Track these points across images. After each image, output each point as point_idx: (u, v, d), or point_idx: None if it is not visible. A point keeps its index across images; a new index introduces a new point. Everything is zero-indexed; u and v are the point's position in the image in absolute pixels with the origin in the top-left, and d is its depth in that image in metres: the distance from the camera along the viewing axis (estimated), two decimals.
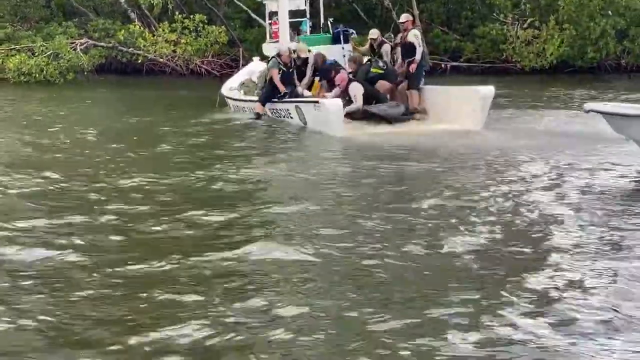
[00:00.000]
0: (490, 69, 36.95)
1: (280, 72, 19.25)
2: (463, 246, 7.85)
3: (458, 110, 17.96)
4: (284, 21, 21.46)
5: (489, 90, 17.80)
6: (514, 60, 36.19)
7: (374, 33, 19.71)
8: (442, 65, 37.28)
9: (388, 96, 19.02)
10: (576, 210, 9.51)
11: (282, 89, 19.10)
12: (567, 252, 7.71)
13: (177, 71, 36.19)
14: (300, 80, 19.55)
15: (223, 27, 36.75)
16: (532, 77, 34.63)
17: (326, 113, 17.29)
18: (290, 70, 19.40)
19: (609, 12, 34.84)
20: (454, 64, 37.46)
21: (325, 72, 19.27)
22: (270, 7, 23.08)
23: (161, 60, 35.92)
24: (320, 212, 9.39)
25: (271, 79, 19.36)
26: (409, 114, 18.56)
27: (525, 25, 36.31)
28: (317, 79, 19.68)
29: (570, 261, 7.45)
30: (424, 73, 19.54)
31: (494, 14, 37.21)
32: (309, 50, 19.74)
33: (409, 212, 9.36)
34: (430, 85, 19.92)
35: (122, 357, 5.54)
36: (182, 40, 35.28)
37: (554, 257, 7.55)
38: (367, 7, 38.62)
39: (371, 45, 19.87)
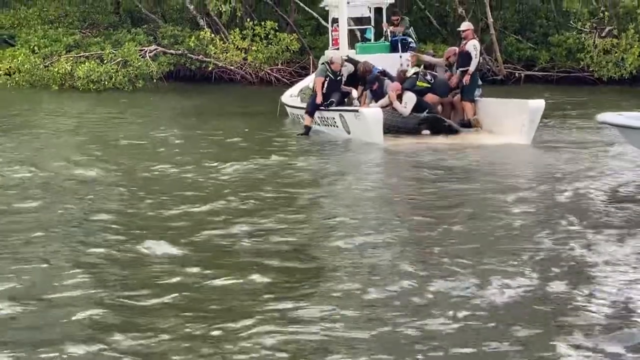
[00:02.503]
0: (566, 78, 37.40)
1: (327, 79, 19.66)
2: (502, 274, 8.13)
3: (507, 123, 18.40)
4: (343, 28, 21.96)
5: (539, 103, 18.18)
6: (590, 69, 36.60)
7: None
8: (516, 75, 37.88)
9: (440, 107, 19.55)
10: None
11: (319, 99, 19.55)
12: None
13: (247, 79, 36.88)
14: (355, 87, 20.16)
15: (294, 34, 37.69)
16: (610, 87, 34.89)
17: (365, 122, 17.81)
18: (338, 78, 19.80)
19: None
20: (528, 73, 38.00)
21: (367, 81, 19.83)
22: (333, 13, 23.63)
23: (231, 67, 36.78)
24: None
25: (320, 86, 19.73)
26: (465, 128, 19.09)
27: (603, 34, 36.71)
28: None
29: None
30: (480, 83, 19.98)
31: (571, 22, 37.67)
32: (346, 61, 20.21)
33: (440, 236, 9.75)
34: (487, 96, 20.47)
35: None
36: (253, 48, 36.09)
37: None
38: (440, 15, 39.36)
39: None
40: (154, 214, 10.84)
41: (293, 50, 36.97)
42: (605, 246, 9.17)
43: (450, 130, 18.59)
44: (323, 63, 20.23)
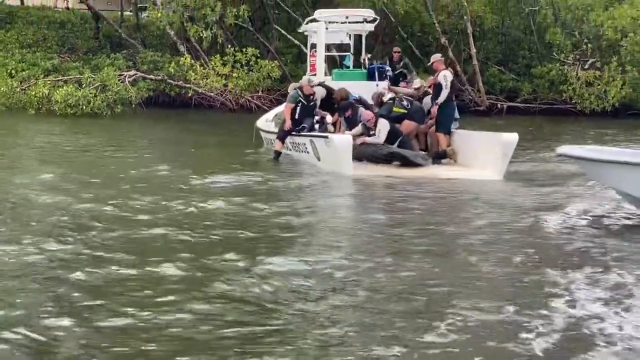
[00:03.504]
0: (548, 110, 38.02)
1: (300, 104, 19.79)
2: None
3: (480, 156, 18.40)
4: (321, 54, 22.13)
5: (512, 137, 17.87)
6: (573, 101, 37.18)
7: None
8: (498, 106, 38.51)
9: (415, 141, 19.63)
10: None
11: (287, 125, 19.70)
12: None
13: (227, 106, 37.09)
14: (331, 113, 20.28)
15: (275, 61, 37.99)
16: (592, 119, 35.44)
17: (335, 149, 17.74)
18: (311, 103, 19.93)
19: None
20: (511, 104, 38.64)
21: (341, 108, 19.89)
22: (311, 39, 23.78)
23: (211, 94, 36.96)
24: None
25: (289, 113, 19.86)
26: (440, 159, 19.14)
27: (586, 66, 37.36)
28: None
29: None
30: (457, 116, 19.96)
31: (553, 54, 38.32)
32: (313, 86, 20.21)
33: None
34: (467, 127, 20.59)
35: None
36: (234, 74, 36.32)
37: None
38: (422, 44, 39.94)
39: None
40: (114, 234, 11.09)
41: (274, 78, 37.18)
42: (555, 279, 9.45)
43: (417, 165, 18.49)
44: (295, 89, 20.36)
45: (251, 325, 7.45)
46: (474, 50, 38.18)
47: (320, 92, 20.26)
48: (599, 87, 36.59)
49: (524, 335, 7.32)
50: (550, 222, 12.70)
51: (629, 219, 13.20)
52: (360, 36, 24.19)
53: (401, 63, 23.34)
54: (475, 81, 38.46)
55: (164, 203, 13.46)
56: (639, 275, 9.44)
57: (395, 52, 23.45)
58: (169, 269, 9.19)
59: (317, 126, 20.12)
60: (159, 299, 8.08)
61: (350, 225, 12.48)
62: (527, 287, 8.97)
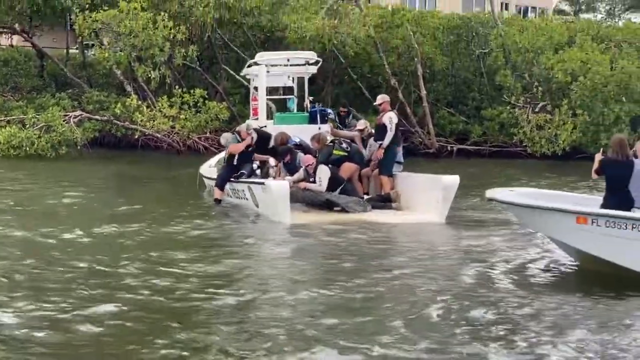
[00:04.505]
0: (499, 152, 38.65)
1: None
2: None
3: (421, 199, 18.75)
4: (262, 98, 22.22)
5: (453, 179, 18.22)
6: (524, 144, 37.79)
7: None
8: (449, 148, 39.12)
9: (359, 184, 20.09)
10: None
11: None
12: None
13: (174, 147, 37.14)
14: (274, 157, 20.50)
15: (224, 102, 38.14)
16: (543, 162, 36.02)
17: (271, 195, 17.91)
18: (250, 149, 20.24)
19: (623, 98, 36.54)
20: (461, 146, 39.25)
21: (279, 153, 20.23)
22: (254, 82, 23.93)
23: (158, 135, 36.83)
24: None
25: (228, 158, 20.30)
26: (385, 203, 19.43)
27: (537, 109, 37.98)
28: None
29: None
30: (400, 159, 20.30)
31: (504, 97, 38.96)
32: (249, 133, 20.39)
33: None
34: (414, 169, 21.06)
35: None
36: (181, 116, 35.86)
37: None
38: (372, 86, 40.18)
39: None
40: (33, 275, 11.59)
41: (223, 119, 36.88)
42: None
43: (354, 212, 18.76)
44: (233, 133, 20.76)
45: None
46: (424, 92, 38.76)
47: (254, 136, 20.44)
48: (549, 130, 36.99)
49: None
50: (478, 268, 13.32)
51: (555, 264, 13.88)
52: (303, 79, 24.38)
53: (350, 116, 23.70)
54: (425, 123, 38.98)
55: (87, 243, 13.92)
56: (548, 319, 10.20)
57: (341, 112, 23.59)
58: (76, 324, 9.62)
59: (258, 171, 20.50)
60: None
61: (275, 269, 13.03)
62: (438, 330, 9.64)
